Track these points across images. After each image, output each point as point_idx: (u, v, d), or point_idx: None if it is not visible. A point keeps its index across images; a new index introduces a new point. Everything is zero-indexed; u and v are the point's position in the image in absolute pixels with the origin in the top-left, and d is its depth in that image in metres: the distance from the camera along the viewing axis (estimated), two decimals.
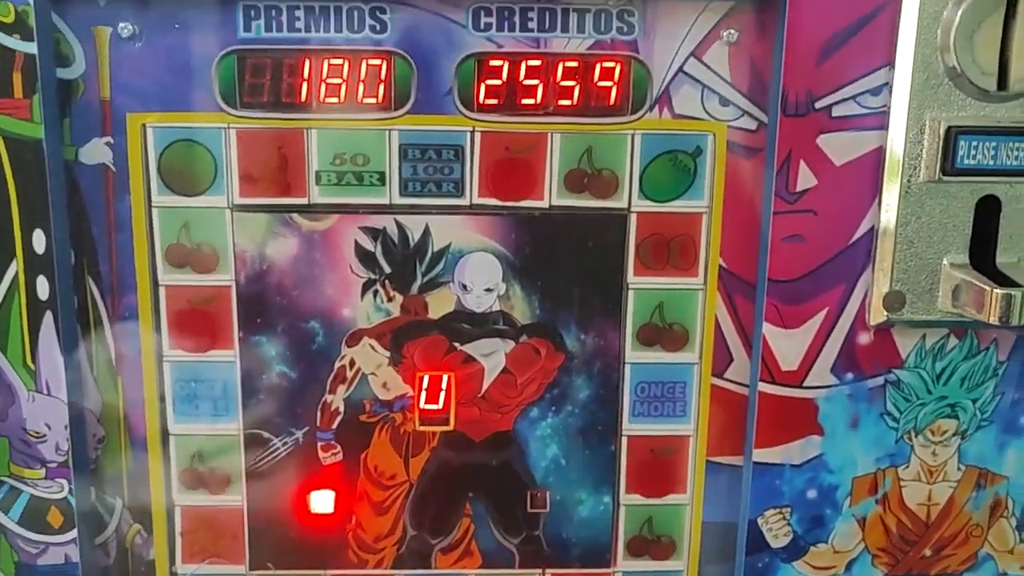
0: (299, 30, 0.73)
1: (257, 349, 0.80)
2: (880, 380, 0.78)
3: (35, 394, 0.76)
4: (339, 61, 0.74)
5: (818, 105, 0.73)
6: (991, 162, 0.72)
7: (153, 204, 0.77)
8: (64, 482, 0.78)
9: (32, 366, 0.75)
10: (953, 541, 0.83)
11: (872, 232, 0.75)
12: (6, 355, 0.75)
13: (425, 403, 0.81)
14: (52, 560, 0.79)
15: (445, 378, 0.80)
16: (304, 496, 0.82)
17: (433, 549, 0.84)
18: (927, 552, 0.83)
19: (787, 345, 0.77)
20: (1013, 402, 0.80)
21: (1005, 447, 0.81)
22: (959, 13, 0.70)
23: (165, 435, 0.81)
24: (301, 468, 0.82)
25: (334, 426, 0.81)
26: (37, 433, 0.77)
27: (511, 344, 0.80)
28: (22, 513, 0.78)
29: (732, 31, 0.74)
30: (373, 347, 0.80)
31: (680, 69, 0.75)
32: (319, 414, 0.81)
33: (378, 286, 0.79)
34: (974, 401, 0.80)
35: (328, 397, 0.81)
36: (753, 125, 0.77)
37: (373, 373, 0.81)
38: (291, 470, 0.82)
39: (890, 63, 0.72)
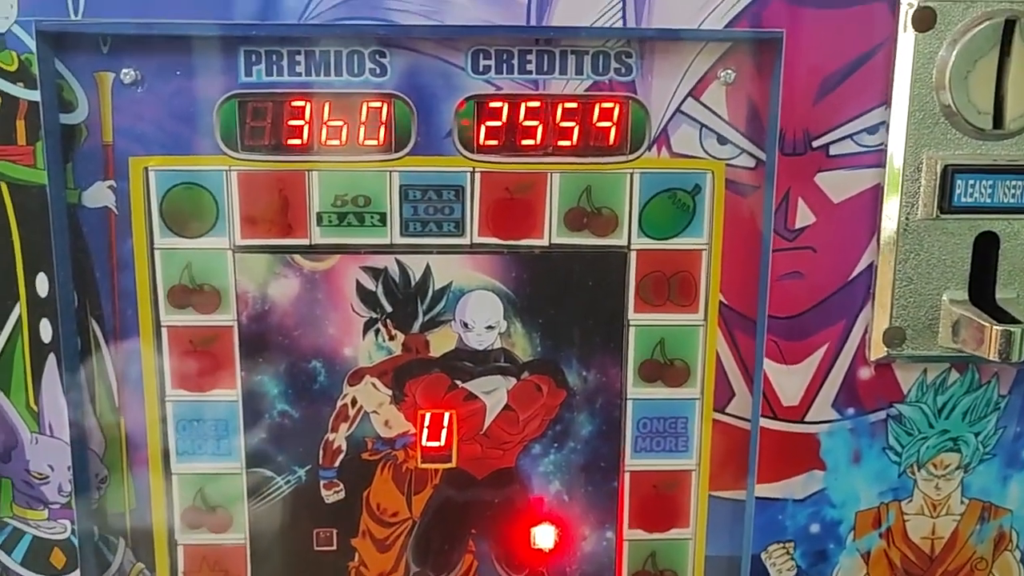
0: (300, 74, 0.74)
1: (259, 388, 0.80)
2: (882, 415, 0.79)
3: (38, 435, 0.76)
4: (340, 104, 0.74)
5: (816, 144, 0.74)
6: (988, 200, 0.73)
7: (155, 246, 0.77)
8: (67, 523, 0.78)
9: (35, 408, 0.76)
10: (958, 575, 0.83)
11: (871, 268, 0.76)
12: (9, 397, 0.75)
13: (427, 441, 0.81)
14: None
15: (447, 416, 0.81)
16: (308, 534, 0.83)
17: None
18: None
19: (788, 381, 0.78)
20: (1016, 435, 0.80)
21: (1008, 480, 0.81)
22: (954, 53, 0.71)
23: (168, 474, 0.81)
24: (304, 506, 0.82)
25: (336, 464, 0.82)
26: (40, 474, 0.77)
27: (513, 381, 0.81)
28: (25, 554, 0.78)
29: (729, 71, 0.75)
30: (375, 385, 0.80)
31: (678, 109, 0.76)
32: (321, 452, 0.81)
33: (380, 325, 0.79)
34: (976, 435, 0.80)
35: (330, 435, 0.81)
36: (751, 163, 0.77)
37: (375, 411, 0.81)
38: (294, 508, 0.82)
39: (886, 102, 0.73)
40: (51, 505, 0.78)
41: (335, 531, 0.83)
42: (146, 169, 0.76)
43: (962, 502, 0.81)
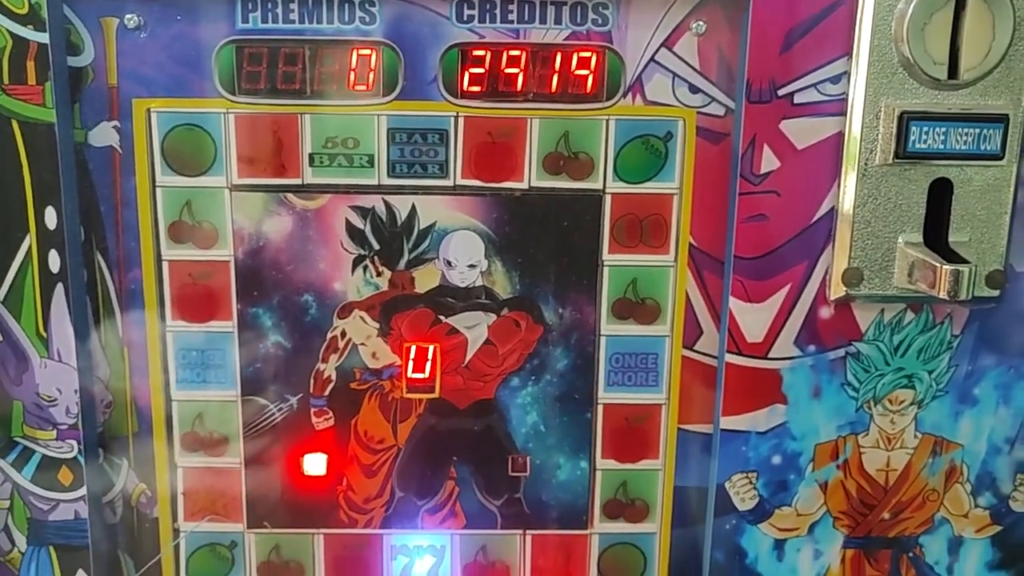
0: (293, 21, 0.78)
1: (254, 320, 0.85)
2: (841, 352, 0.83)
3: (47, 361, 0.81)
4: (331, 50, 0.79)
5: (781, 92, 0.77)
6: (941, 146, 0.77)
7: (157, 184, 0.82)
8: (74, 443, 0.83)
9: (44, 334, 0.80)
10: (910, 505, 0.87)
11: (832, 212, 0.80)
12: (20, 324, 0.80)
13: (412, 372, 0.86)
14: (62, 516, 0.84)
15: (431, 349, 0.85)
16: (298, 459, 0.88)
17: (419, 510, 0.89)
18: (886, 515, 0.87)
19: (753, 319, 0.82)
20: (967, 374, 0.84)
21: (959, 416, 0.85)
22: (911, 6, 0.74)
23: (168, 401, 0.86)
24: (295, 432, 0.87)
25: (326, 393, 0.86)
26: (49, 397, 0.82)
27: (493, 317, 0.85)
28: (35, 471, 0.83)
29: (701, 23, 0.79)
30: (363, 319, 0.85)
31: (652, 58, 0.80)
32: (312, 382, 0.86)
33: (368, 262, 0.84)
34: (930, 372, 0.84)
35: (320, 366, 0.86)
36: (721, 111, 0.81)
37: (363, 343, 0.85)
38: (286, 434, 0.87)
39: (848, 53, 0.76)
40: (59, 426, 0.83)
41: (324, 456, 0.88)
42: (148, 110, 0.80)
43: (915, 436, 0.85)
